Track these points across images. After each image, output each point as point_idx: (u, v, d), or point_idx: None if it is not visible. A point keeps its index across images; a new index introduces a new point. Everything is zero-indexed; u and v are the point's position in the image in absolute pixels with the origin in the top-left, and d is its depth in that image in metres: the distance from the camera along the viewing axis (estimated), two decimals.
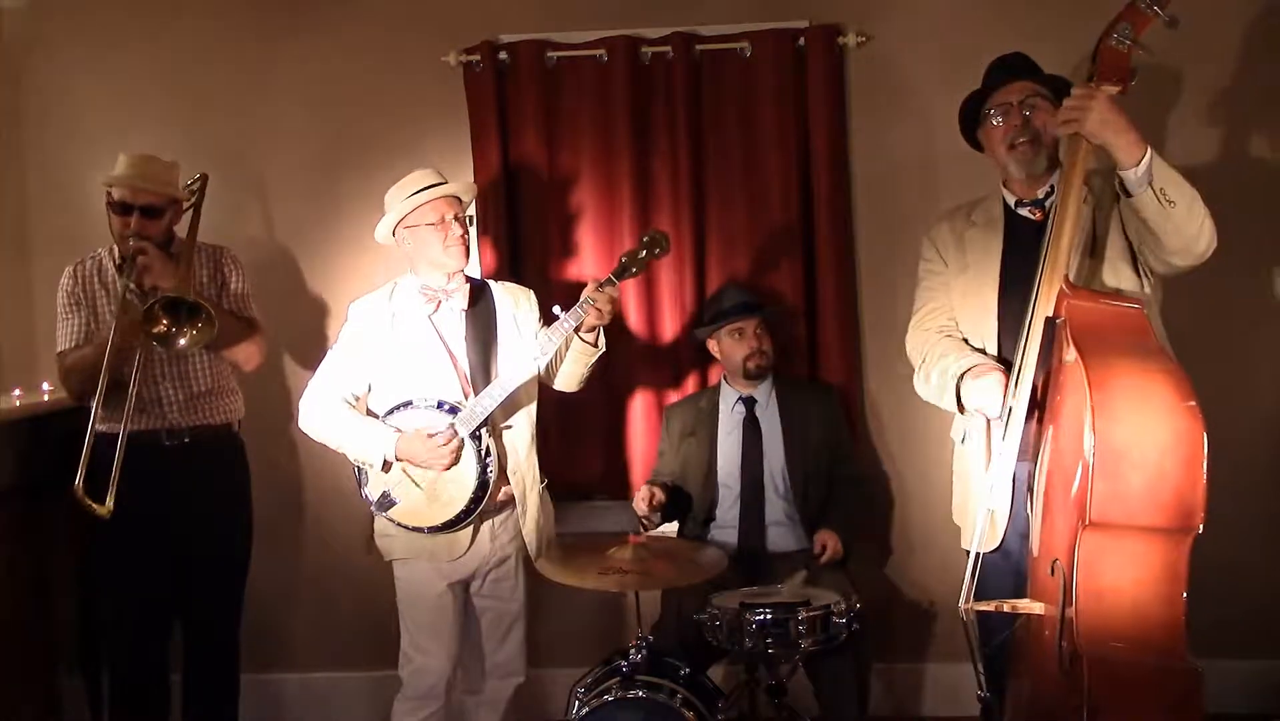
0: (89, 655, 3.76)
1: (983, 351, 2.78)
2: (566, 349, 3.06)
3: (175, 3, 3.86)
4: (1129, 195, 2.45)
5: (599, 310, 2.95)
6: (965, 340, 2.83)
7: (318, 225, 3.86)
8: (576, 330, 2.98)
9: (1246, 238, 3.11)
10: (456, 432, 2.93)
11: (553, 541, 3.14)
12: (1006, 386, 2.57)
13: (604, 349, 3.10)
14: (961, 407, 2.73)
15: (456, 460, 2.94)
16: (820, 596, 2.96)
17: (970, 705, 3.51)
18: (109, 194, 3.21)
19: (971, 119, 2.87)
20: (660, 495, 3.37)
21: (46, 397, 3.65)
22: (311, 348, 3.78)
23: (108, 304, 3.23)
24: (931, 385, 2.83)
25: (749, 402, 3.47)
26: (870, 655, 3.28)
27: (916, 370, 2.91)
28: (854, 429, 3.68)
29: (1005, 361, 2.68)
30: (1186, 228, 2.45)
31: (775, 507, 3.40)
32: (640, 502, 3.34)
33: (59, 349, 3.27)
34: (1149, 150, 2.39)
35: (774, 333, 3.53)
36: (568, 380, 3.15)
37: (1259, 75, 3.59)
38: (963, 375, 2.69)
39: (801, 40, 3.64)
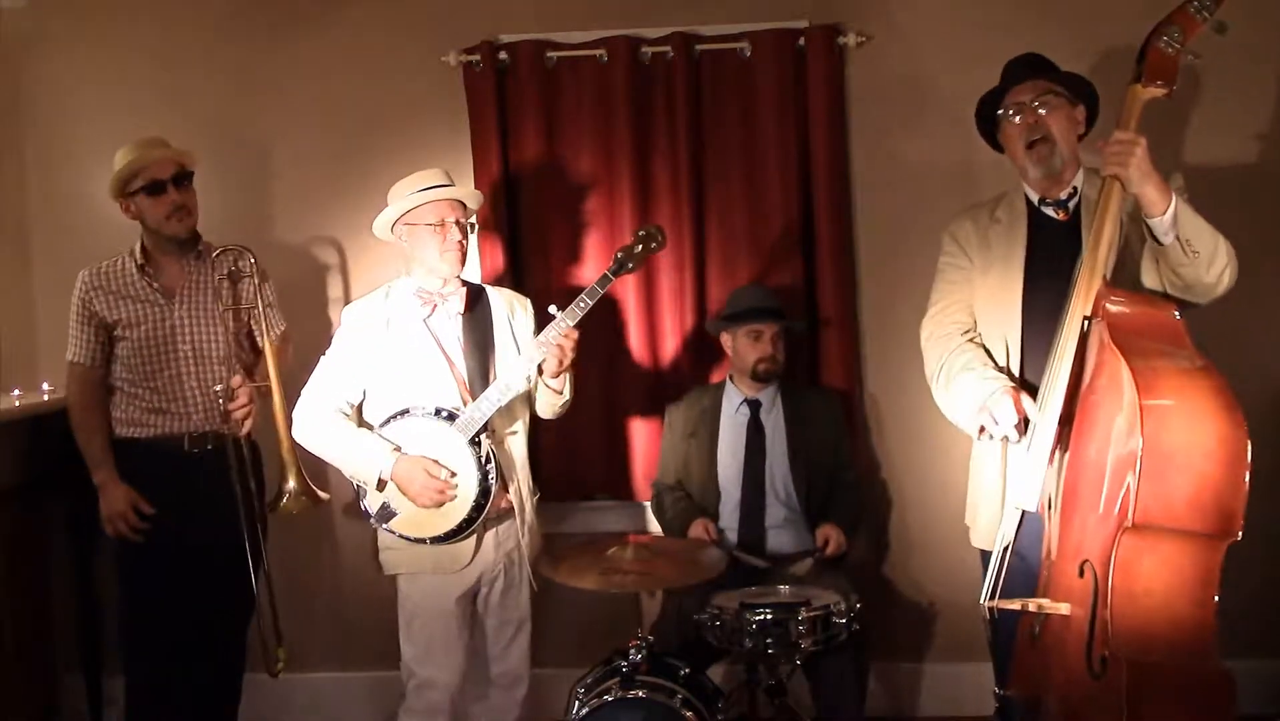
0: (89, 655, 3.76)
1: (990, 358, 2.75)
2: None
3: (176, 3, 3.86)
4: (1158, 242, 2.44)
5: (560, 348, 2.88)
6: (984, 346, 2.79)
7: (317, 225, 3.86)
8: (541, 371, 2.94)
9: None
10: (454, 477, 2.88)
11: (541, 556, 3.07)
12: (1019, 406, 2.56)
13: (569, 397, 3.08)
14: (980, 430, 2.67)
15: (440, 505, 2.89)
16: (820, 596, 2.96)
17: (970, 704, 3.56)
18: (128, 188, 3.14)
19: (988, 120, 2.83)
20: (714, 528, 3.36)
21: (46, 397, 3.63)
22: (311, 349, 3.76)
23: (131, 310, 3.16)
24: (951, 399, 2.78)
25: (754, 405, 3.46)
26: (869, 655, 3.28)
27: (934, 377, 2.86)
28: (854, 429, 3.67)
29: (1020, 378, 2.68)
30: (1204, 277, 2.46)
31: (775, 511, 3.39)
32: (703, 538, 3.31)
33: (69, 357, 3.20)
34: (1174, 199, 2.39)
35: (787, 342, 3.50)
36: (541, 409, 3.12)
37: None
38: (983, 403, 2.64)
39: (801, 40, 3.64)
